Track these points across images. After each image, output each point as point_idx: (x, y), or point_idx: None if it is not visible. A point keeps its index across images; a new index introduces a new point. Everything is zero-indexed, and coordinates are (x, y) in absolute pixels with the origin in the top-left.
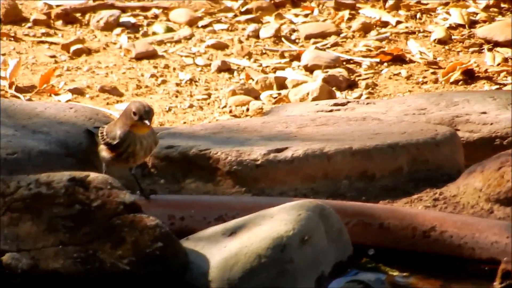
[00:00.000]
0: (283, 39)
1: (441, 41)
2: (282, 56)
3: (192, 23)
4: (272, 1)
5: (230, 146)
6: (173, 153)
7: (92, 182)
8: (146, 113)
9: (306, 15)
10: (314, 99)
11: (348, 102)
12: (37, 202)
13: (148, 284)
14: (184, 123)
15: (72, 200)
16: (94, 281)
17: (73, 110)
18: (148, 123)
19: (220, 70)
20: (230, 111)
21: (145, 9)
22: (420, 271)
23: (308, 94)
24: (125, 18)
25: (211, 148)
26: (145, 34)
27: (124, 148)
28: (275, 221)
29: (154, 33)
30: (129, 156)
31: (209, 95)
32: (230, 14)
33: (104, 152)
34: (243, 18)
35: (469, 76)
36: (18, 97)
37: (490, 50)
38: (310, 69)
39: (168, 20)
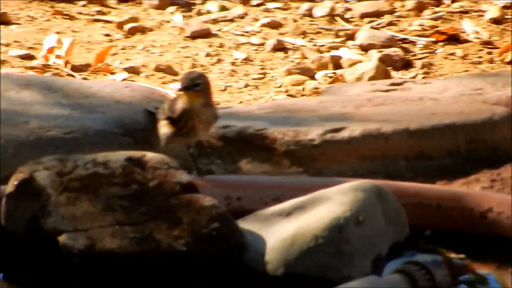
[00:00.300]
0: (337, 18)
1: (495, 21)
2: (336, 35)
3: (245, 1)
4: None
5: (287, 126)
6: (230, 133)
7: (149, 162)
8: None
9: None
10: (369, 79)
11: (405, 81)
12: (94, 181)
13: (204, 265)
14: (240, 102)
15: (129, 180)
16: (150, 261)
17: (129, 89)
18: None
19: (275, 49)
20: (286, 91)
21: None
22: (477, 252)
23: (363, 73)
24: None
25: (267, 127)
26: (199, 13)
27: (184, 122)
28: (332, 202)
29: (208, 12)
30: (190, 130)
31: (265, 74)
32: None
33: (164, 128)
34: None
35: None
36: (73, 76)
37: None
38: (365, 49)
39: None
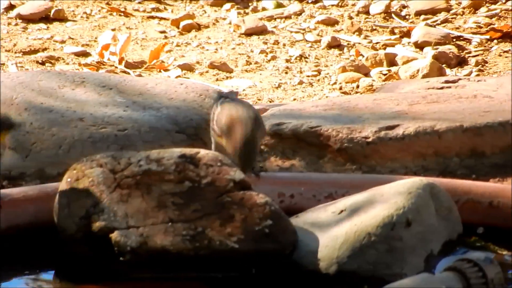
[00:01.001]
0: (393, 15)
1: None
2: (392, 32)
3: None
4: None
5: (341, 123)
6: (284, 130)
7: (202, 159)
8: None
9: None
10: (424, 76)
11: (459, 79)
12: (147, 178)
13: (256, 262)
14: (294, 99)
15: (182, 177)
16: (202, 258)
17: (183, 86)
18: None
19: (330, 46)
20: (340, 88)
21: None
22: None
23: (418, 71)
24: None
25: (321, 125)
26: (255, 10)
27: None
28: (385, 199)
29: (263, 9)
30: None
31: (319, 71)
32: None
33: (213, 132)
34: None
35: None
36: (128, 73)
37: None
38: (420, 46)
39: None
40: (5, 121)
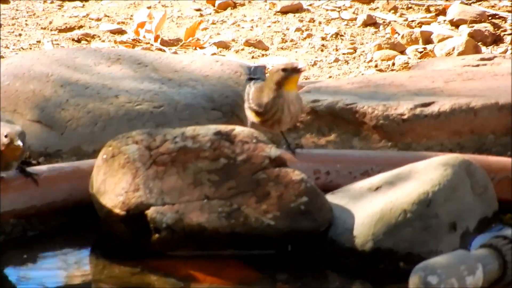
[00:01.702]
0: None
1: None
2: (427, 10)
3: None
4: None
5: (377, 100)
6: (319, 107)
7: (238, 136)
8: (298, 67)
9: None
10: (459, 54)
11: (495, 57)
12: (183, 155)
13: (291, 239)
14: (330, 77)
15: (217, 154)
16: (238, 236)
17: (219, 63)
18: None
19: (365, 24)
20: (376, 66)
21: None
22: None
23: (453, 49)
24: None
25: (357, 102)
26: None
27: (270, 116)
28: (421, 176)
29: None
30: (274, 122)
31: (355, 49)
32: None
33: (248, 113)
34: None
35: None
36: (163, 51)
37: None
38: (455, 24)
39: None
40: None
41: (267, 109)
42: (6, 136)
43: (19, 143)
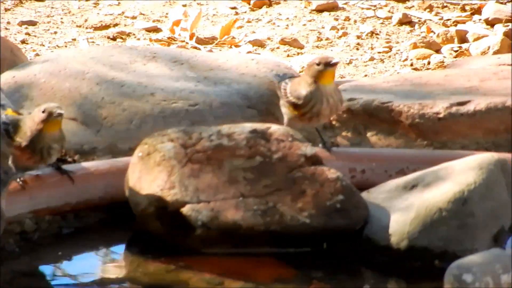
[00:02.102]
0: None
1: None
2: (463, 9)
3: None
4: None
5: (412, 99)
6: (355, 106)
7: (274, 134)
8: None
9: None
10: (495, 53)
11: None
12: (218, 153)
13: (327, 236)
14: (365, 76)
15: (253, 152)
16: (273, 233)
17: (255, 61)
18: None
19: (401, 22)
20: (411, 64)
21: None
22: None
23: (489, 48)
24: None
25: (393, 101)
26: None
27: (309, 108)
28: (457, 175)
29: None
30: (313, 115)
31: (390, 48)
32: None
33: (286, 109)
34: None
35: None
36: (198, 49)
37: None
38: (491, 23)
39: None
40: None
41: (306, 100)
42: (43, 111)
43: (60, 111)
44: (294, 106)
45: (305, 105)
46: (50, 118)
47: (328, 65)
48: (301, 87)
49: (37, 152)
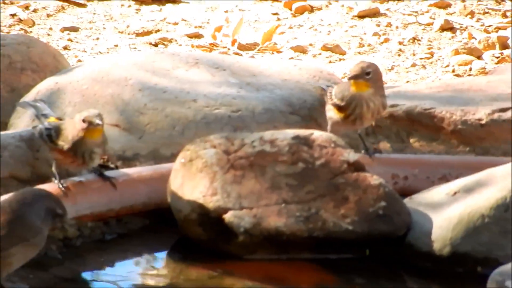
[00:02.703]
0: None
1: None
2: (504, 15)
3: None
4: None
5: (455, 105)
6: (398, 112)
7: (316, 140)
8: (351, 74)
9: None
10: None
11: None
12: (261, 159)
13: (369, 243)
14: (407, 82)
15: (296, 158)
16: (315, 239)
17: (297, 67)
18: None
19: (442, 28)
20: (453, 71)
21: None
22: None
23: None
24: None
25: (435, 107)
26: None
27: (352, 110)
28: (499, 181)
29: None
30: (357, 118)
31: (432, 54)
32: None
33: (331, 112)
34: None
35: None
36: (240, 55)
37: None
38: None
39: None
40: None
41: (348, 102)
42: (84, 121)
43: (98, 121)
44: (338, 108)
45: (348, 107)
46: (90, 127)
47: (352, 77)
48: (344, 89)
49: (79, 156)
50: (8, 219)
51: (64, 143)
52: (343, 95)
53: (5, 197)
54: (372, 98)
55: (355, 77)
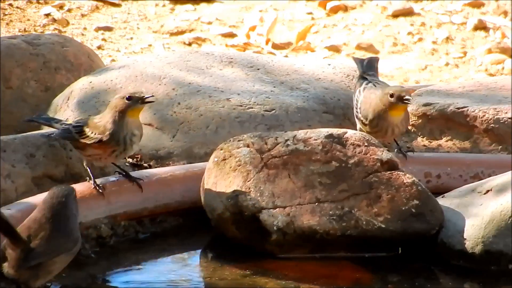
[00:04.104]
0: None
1: None
2: None
3: None
4: None
5: (488, 104)
6: (431, 111)
7: (350, 139)
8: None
9: None
10: None
11: None
12: (295, 158)
13: (402, 241)
14: (440, 81)
15: (329, 157)
16: (348, 238)
17: (331, 66)
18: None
19: (476, 28)
20: (486, 70)
21: None
22: None
23: None
24: None
25: (468, 106)
26: None
27: (375, 130)
28: None
29: None
30: (378, 136)
31: (465, 53)
32: None
33: (357, 120)
34: None
35: None
36: (274, 54)
37: None
38: None
39: None
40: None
41: (373, 124)
42: (391, 96)
43: (149, 97)
44: (362, 123)
45: (371, 126)
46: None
47: (401, 100)
48: (370, 110)
49: (120, 142)
50: (50, 231)
51: (102, 134)
52: (367, 115)
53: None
54: (399, 124)
55: (410, 101)
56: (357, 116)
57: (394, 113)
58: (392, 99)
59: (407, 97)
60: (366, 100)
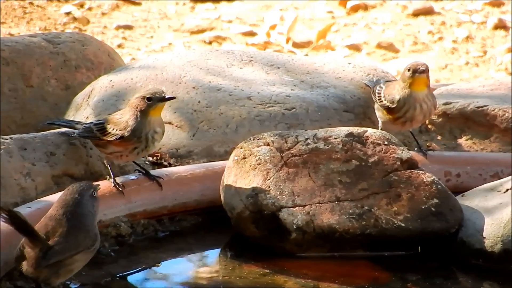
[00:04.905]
0: None
1: None
2: None
3: None
4: None
5: (508, 103)
6: (451, 109)
7: (370, 138)
8: (420, 68)
9: None
10: None
11: None
12: (315, 157)
13: (422, 240)
14: (460, 80)
15: (349, 155)
16: (368, 236)
17: (351, 65)
18: (424, 76)
19: (496, 27)
20: (506, 69)
21: None
22: None
23: None
24: None
25: (488, 105)
26: None
27: (403, 113)
28: None
29: None
30: (407, 120)
31: (485, 52)
32: None
33: (380, 112)
34: None
35: None
36: (294, 53)
37: None
38: None
39: None
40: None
41: (400, 105)
42: (409, 70)
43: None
44: (388, 110)
45: (399, 110)
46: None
47: (416, 72)
48: (395, 92)
49: (142, 139)
50: (67, 228)
51: (124, 131)
52: (394, 98)
53: (57, 196)
54: (425, 99)
55: (425, 71)
56: (382, 106)
57: (416, 88)
58: (409, 72)
59: (421, 68)
60: (389, 87)
